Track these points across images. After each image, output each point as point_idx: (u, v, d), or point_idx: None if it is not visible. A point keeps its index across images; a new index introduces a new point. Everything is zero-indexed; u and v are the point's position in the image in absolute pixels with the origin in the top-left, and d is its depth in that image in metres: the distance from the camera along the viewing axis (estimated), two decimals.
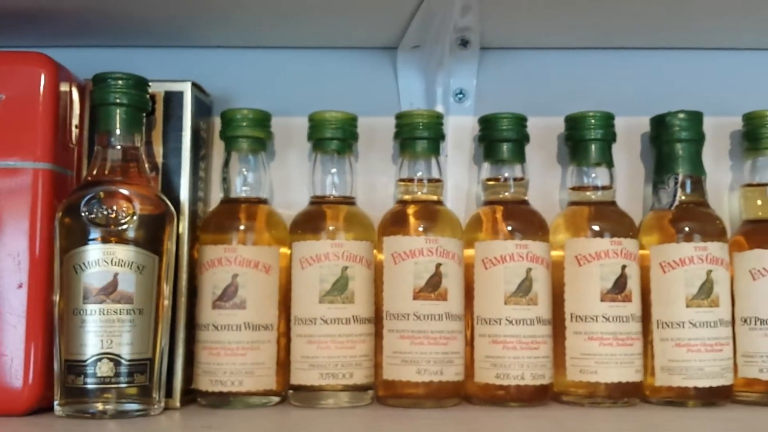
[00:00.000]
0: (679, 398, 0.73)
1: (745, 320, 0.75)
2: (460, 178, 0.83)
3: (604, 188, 0.78)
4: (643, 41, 0.85)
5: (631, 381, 0.73)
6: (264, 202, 0.77)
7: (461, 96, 0.85)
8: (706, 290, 0.74)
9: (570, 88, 0.85)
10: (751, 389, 0.74)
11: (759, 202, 0.78)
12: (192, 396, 0.75)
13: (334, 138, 0.76)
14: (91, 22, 0.80)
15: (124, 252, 0.68)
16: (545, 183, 0.83)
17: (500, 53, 0.85)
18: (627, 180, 0.83)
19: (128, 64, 0.75)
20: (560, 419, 0.70)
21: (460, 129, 0.84)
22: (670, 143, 0.78)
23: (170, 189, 0.74)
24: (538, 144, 0.84)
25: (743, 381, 0.75)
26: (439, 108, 0.82)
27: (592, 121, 0.77)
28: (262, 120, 0.77)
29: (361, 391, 0.73)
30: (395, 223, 0.75)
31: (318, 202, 0.77)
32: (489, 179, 0.78)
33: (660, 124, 0.78)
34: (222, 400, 0.72)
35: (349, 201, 0.77)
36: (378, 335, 0.74)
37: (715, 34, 0.83)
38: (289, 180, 0.83)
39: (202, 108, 0.79)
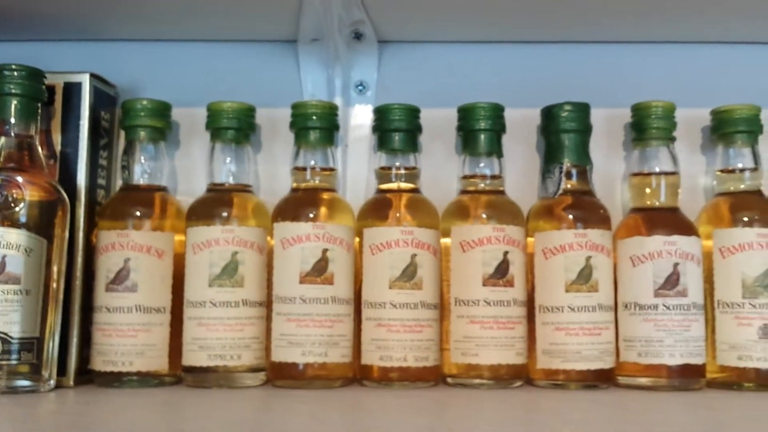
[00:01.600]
0: (559, 380, 0.76)
1: (626, 305, 0.77)
2: (360, 167, 0.86)
3: (493, 177, 0.80)
4: (539, 35, 0.87)
5: (512, 363, 0.76)
6: (162, 189, 0.80)
7: (362, 88, 0.87)
8: (585, 276, 0.76)
9: (469, 80, 0.87)
10: (631, 373, 0.76)
11: (645, 191, 0.80)
12: (91, 375, 0.77)
13: (230, 127, 0.79)
14: (2, 17, 0.83)
15: (13, 235, 0.70)
16: (445, 172, 0.85)
17: (400, 46, 0.88)
18: (523, 170, 0.86)
19: (39, 57, 0.78)
20: (436, 399, 0.72)
21: (362, 120, 0.86)
22: (557, 134, 0.80)
23: (68, 176, 0.77)
24: (439, 135, 0.86)
25: (624, 365, 0.77)
26: (338, 99, 0.85)
27: (482, 112, 0.79)
28: (162, 110, 0.80)
29: (250, 373, 0.76)
30: (285, 209, 0.77)
31: (214, 189, 0.80)
32: (382, 168, 0.80)
33: (548, 115, 0.81)
34: (114, 380, 0.75)
35: (245, 189, 0.80)
36: (269, 318, 0.77)
37: (608, 28, 0.85)
38: (194, 169, 0.85)
39: (105, 99, 0.82)
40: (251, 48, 0.88)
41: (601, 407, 0.71)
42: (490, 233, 0.76)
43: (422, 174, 0.84)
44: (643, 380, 0.76)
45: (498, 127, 0.80)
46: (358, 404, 0.71)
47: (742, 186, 0.80)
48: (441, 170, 0.85)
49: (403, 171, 0.80)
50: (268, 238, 0.78)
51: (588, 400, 0.72)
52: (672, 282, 0.76)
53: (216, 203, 0.78)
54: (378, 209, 0.78)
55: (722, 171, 0.81)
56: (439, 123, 0.85)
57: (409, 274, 0.76)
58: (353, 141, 0.86)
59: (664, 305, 0.75)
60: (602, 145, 0.86)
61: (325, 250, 0.75)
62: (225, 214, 0.77)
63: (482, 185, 0.80)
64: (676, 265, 0.76)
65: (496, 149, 0.80)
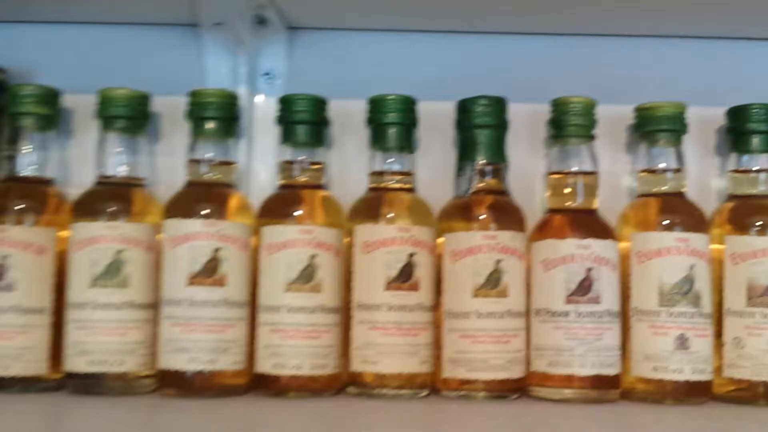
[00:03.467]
0: (465, 390, 0.71)
1: (537, 312, 0.72)
2: (268, 162, 0.80)
3: (403, 174, 0.75)
4: (458, 25, 0.82)
5: (416, 372, 0.71)
6: (47, 182, 0.74)
7: (270, 77, 0.82)
8: (493, 280, 0.71)
9: (384, 70, 0.83)
10: (541, 383, 0.72)
11: (561, 191, 0.75)
12: None
13: (121, 116, 0.74)
14: None
15: None
16: (356, 168, 0.79)
17: (311, 33, 0.83)
18: (441, 167, 0.80)
19: None
20: (332, 411, 0.67)
21: (270, 111, 0.80)
22: (470, 129, 0.75)
23: None
24: (352, 128, 0.81)
25: (534, 374, 0.72)
26: (243, 88, 0.80)
27: (392, 104, 0.74)
28: (50, 97, 0.75)
29: (135, 380, 0.71)
30: (176, 205, 0.72)
31: (102, 182, 0.74)
32: (285, 162, 0.75)
33: (462, 109, 0.76)
34: None
35: (136, 182, 0.75)
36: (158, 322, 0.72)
37: (529, 18, 0.80)
38: (89, 159, 0.78)
39: None
40: (153, 31, 0.82)
41: (503, 420, 0.67)
42: (394, 233, 0.72)
43: (332, 169, 0.80)
44: (553, 391, 0.71)
45: (409, 121, 0.75)
46: (247, 417, 0.66)
47: (665, 187, 0.75)
48: (352, 165, 0.81)
49: (307, 166, 0.75)
50: (161, 235, 0.73)
51: (492, 412, 0.68)
52: (584, 288, 0.71)
53: (101, 197, 0.72)
54: (277, 206, 0.73)
55: (645, 171, 0.76)
56: (351, 115, 0.80)
57: (306, 275, 0.71)
58: (260, 133, 0.81)
59: (576, 312, 0.71)
60: (523, 143, 0.81)
61: (216, 249, 0.70)
62: (111, 209, 0.71)
63: (391, 182, 0.75)
64: (589, 270, 0.71)
65: (406, 144, 0.75)
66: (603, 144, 0.79)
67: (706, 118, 0.81)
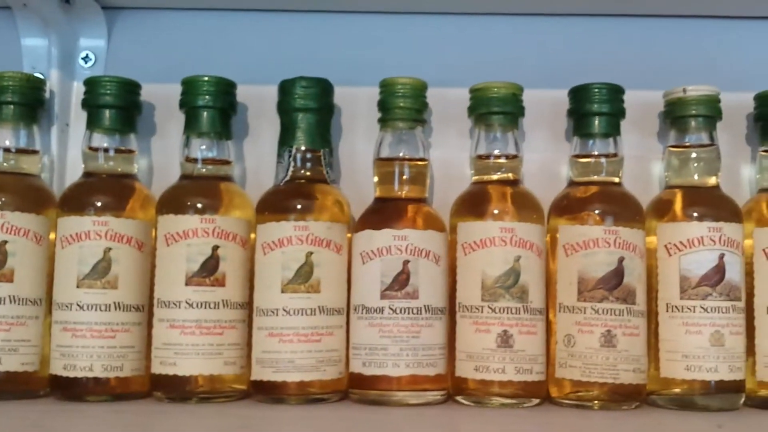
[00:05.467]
0: (272, 394, 0.66)
1: (355, 308, 0.67)
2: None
3: (218, 162, 0.70)
4: (285, 3, 0.77)
5: (219, 374, 0.66)
6: None
7: (87, 59, 0.78)
8: (304, 274, 0.66)
9: (213, 53, 0.78)
10: (356, 385, 0.67)
11: (388, 179, 0.69)
12: None
13: None
14: None
15: None
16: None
17: (132, 13, 0.78)
18: (273, 155, 0.74)
19: None
20: (119, 417, 0.62)
21: None
22: (289, 112, 0.70)
23: None
24: (179, 114, 0.74)
25: (352, 376, 0.67)
26: (56, 71, 0.75)
27: (205, 86, 0.69)
28: None
29: None
30: None
31: None
32: (90, 148, 0.70)
33: (281, 91, 0.71)
34: None
35: None
36: None
37: None
38: None
39: None
40: None
41: (303, 427, 0.62)
42: (196, 224, 0.66)
43: (155, 158, 0.76)
44: (367, 393, 0.66)
45: (225, 105, 0.70)
46: (31, 422, 0.62)
47: (497, 175, 0.70)
48: (176, 154, 0.75)
49: (112, 153, 0.70)
50: None
51: (297, 418, 0.63)
52: (400, 282, 0.66)
53: None
54: (74, 197, 0.68)
55: (479, 157, 0.71)
56: (175, 101, 0.73)
57: (100, 271, 0.66)
58: (78, 120, 0.76)
59: (390, 308, 0.66)
60: (362, 127, 0.76)
61: (3, 243, 0.66)
62: None
63: (203, 170, 0.70)
64: (406, 262, 0.66)
65: (222, 129, 0.70)
66: (454, 129, 0.76)
67: (557, 101, 0.75)
